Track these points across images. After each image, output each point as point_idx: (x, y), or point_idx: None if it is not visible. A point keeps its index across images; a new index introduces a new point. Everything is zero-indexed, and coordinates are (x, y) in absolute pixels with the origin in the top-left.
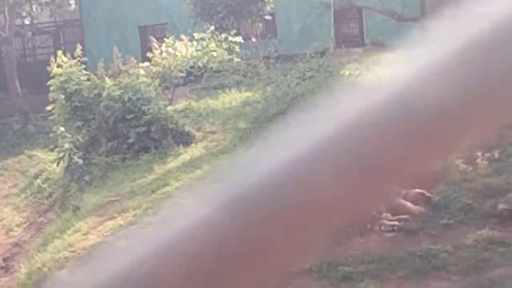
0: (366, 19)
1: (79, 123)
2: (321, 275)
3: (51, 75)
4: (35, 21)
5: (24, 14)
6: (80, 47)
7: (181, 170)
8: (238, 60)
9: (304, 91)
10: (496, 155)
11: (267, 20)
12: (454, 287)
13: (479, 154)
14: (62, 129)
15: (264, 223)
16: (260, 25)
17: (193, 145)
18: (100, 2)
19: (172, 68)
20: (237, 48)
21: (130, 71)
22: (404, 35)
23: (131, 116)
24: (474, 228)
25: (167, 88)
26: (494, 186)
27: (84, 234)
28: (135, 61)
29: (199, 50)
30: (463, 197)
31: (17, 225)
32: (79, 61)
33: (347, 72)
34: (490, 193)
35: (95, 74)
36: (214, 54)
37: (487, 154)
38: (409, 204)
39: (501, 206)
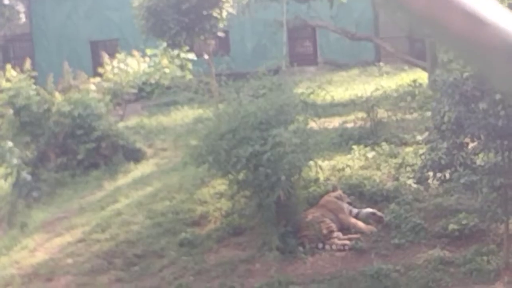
0: (319, 38)
1: (28, 138)
2: None
3: (0, 89)
4: None
5: None
6: (30, 61)
7: (131, 187)
8: (191, 77)
9: (256, 109)
10: (447, 176)
11: (221, 37)
12: None
13: (431, 174)
14: (10, 144)
15: None
16: (213, 42)
17: (144, 161)
18: (51, 16)
19: (123, 84)
20: (189, 65)
21: (81, 87)
22: (357, 54)
23: (81, 132)
24: (425, 248)
25: (119, 104)
26: (445, 206)
27: (32, 251)
28: (86, 76)
29: (151, 66)
30: (414, 217)
31: None
32: (28, 75)
33: (299, 90)
34: (441, 213)
35: (45, 89)
36: (167, 70)
37: (439, 174)
38: (360, 224)
39: (451, 227)
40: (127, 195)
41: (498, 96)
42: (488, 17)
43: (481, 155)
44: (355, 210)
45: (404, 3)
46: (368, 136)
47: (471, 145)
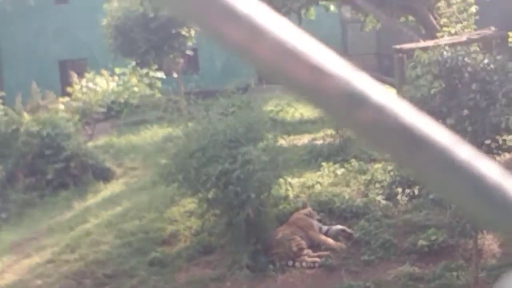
0: None
1: None
2: None
3: None
4: None
5: None
6: None
7: (101, 207)
8: (160, 95)
9: (225, 127)
10: (416, 192)
11: (189, 55)
12: None
13: (399, 190)
14: None
15: None
16: (182, 60)
17: (113, 181)
18: (19, 36)
19: (92, 103)
20: (158, 84)
21: (49, 106)
22: None
23: (49, 152)
24: (395, 264)
25: (88, 123)
26: (414, 222)
27: (0, 273)
28: (55, 96)
29: (120, 85)
30: (384, 233)
31: None
32: None
33: (268, 108)
34: (410, 229)
35: (13, 109)
36: (136, 89)
37: (407, 191)
38: (330, 240)
39: (421, 242)
40: (97, 215)
41: (465, 112)
42: (330, 68)
43: None
44: (325, 227)
45: (250, 52)
46: (337, 153)
47: None
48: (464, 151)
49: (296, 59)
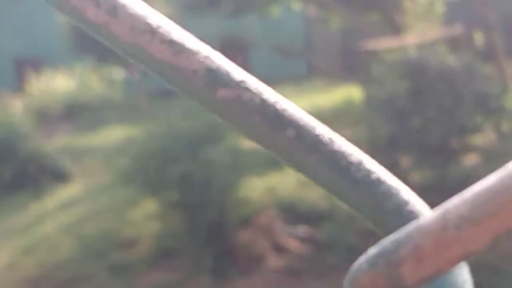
0: (252, 54)
1: None
2: None
3: None
4: None
5: None
6: None
7: (59, 209)
8: (120, 95)
9: (186, 128)
10: None
11: None
12: None
13: None
14: None
15: None
16: None
17: (72, 183)
18: None
19: (50, 103)
20: (119, 83)
21: (5, 106)
22: (289, 70)
23: (5, 153)
24: None
25: (46, 123)
26: None
27: None
28: (10, 95)
29: (79, 84)
30: (348, 237)
31: None
32: None
33: None
34: (376, 232)
35: None
36: (95, 88)
37: None
38: (295, 243)
39: None
40: (55, 217)
41: (432, 112)
42: (189, 45)
43: (415, 172)
44: (289, 230)
45: (106, 29)
46: None
47: (405, 162)
48: (324, 131)
49: (153, 36)
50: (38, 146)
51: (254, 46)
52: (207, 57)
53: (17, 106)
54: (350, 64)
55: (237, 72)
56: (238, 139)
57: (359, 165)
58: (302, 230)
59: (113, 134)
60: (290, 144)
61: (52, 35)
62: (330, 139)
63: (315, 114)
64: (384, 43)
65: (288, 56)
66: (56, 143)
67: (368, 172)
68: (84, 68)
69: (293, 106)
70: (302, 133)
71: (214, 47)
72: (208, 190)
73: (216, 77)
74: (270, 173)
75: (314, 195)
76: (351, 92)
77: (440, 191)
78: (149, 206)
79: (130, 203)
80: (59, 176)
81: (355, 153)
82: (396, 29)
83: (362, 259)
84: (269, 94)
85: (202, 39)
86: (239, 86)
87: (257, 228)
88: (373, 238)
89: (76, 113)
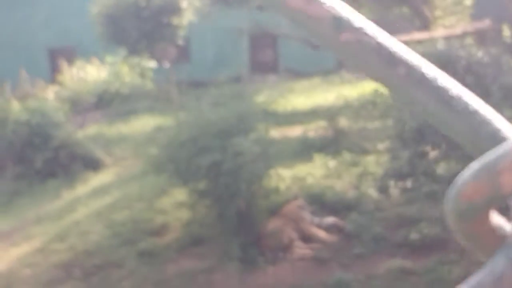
0: (281, 46)
1: None
2: None
3: None
4: None
5: None
6: None
7: (90, 197)
8: (151, 85)
9: (216, 118)
10: (409, 184)
11: (181, 45)
12: None
13: (392, 183)
14: None
15: None
16: (174, 50)
17: (103, 171)
18: (7, 23)
19: (82, 92)
20: (149, 73)
21: (39, 95)
22: (318, 62)
23: (38, 140)
24: (386, 258)
25: (78, 112)
26: (406, 215)
27: None
28: (44, 84)
29: (111, 74)
30: (375, 226)
31: None
32: None
33: (260, 99)
34: (402, 222)
35: (1, 97)
36: (126, 78)
37: (400, 183)
38: (321, 233)
39: (413, 236)
40: (86, 204)
41: None
42: None
43: (442, 164)
44: (316, 219)
45: None
46: (330, 145)
47: (432, 154)
48: (430, 70)
49: None
50: (71, 134)
51: (284, 39)
52: (332, 7)
53: (50, 95)
54: None
55: (358, 20)
56: (267, 130)
57: (459, 98)
58: (329, 219)
59: (143, 124)
60: (401, 80)
61: (84, 26)
62: (434, 76)
63: (344, 107)
64: (413, 36)
65: (316, 49)
66: (88, 132)
67: (466, 105)
68: (115, 59)
69: (403, 48)
70: (411, 71)
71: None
72: (237, 179)
73: (340, 23)
74: (298, 164)
75: (342, 186)
76: (379, 85)
77: None
78: (179, 194)
79: (160, 191)
80: (91, 164)
81: (455, 88)
82: (425, 23)
83: (465, 173)
84: (384, 38)
85: (232, 30)
86: (359, 31)
87: (285, 218)
88: (399, 228)
89: (107, 102)
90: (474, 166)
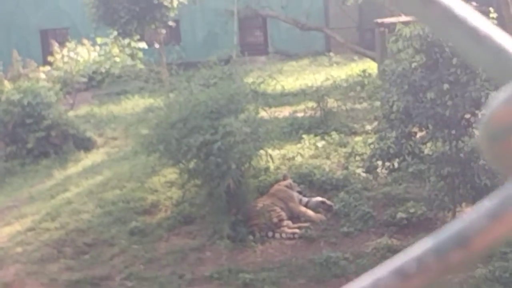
0: (270, 27)
1: None
2: (221, 282)
3: None
4: None
5: None
6: None
7: (82, 176)
8: (141, 66)
9: (207, 98)
10: (396, 165)
11: (171, 26)
12: None
13: (379, 163)
14: None
15: None
16: (164, 31)
17: (94, 150)
18: None
19: (73, 73)
20: (140, 54)
21: (30, 75)
22: (307, 44)
23: (30, 120)
24: (373, 236)
25: (69, 93)
26: (394, 195)
27: None
28: (36, 65)
29: (102, 55)
30: (363, 206)
31: None
32: None
33: (250, 80)
34: (390, 202)
35: None
36: (117, 59)
37: (387, 164)
38: (310, 212)
39: (400, 215)
40: (77, 184)
41: (445, 86)
42: None
43: (429, 145)
44: (305, 199)
45: None
46: (318, 125)
47: (419, 135)
48: (463, 8)
49: None
50: (62, 114)
51: (273, 20)
52: None
53: (41, 75)
54: (367, 39)
55: None
56: (256, 110)
57: (489, 37)
58: (318, 199)
59: (134, 104)
60: (436, 18)
61: (76, 8)
62: (464, 17)
63: (332, 88)
64: (400, 18)
65: (305, 30)
66: (79, 112)
67: (494, 42)
68: (107, 40)
69: None
70: (445, 11)
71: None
72: (227, 159)
73: None
74: (287, 144)
75: (330, 166)
76: (367, 67)
77: (453, 163)
78: (170, 174)
79: (150, 171)
80: (82, 144)
81: (486, 27)
82: None
83: (498, 97)
84: None
85: (222, 12)
86: None
87: (274, 197)
88: (386, 207)
89: (98, 83)
90: (507, 91)
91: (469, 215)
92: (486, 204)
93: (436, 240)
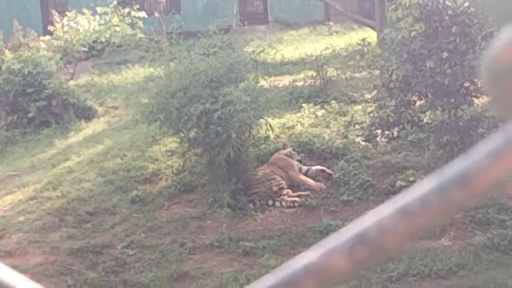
0: None
1: None
2: (222, 251)
3: None
4: None
5: None
6: None
7: (83, 145)
8: (141, 35)
9: (207, 67)
10: (395, 133)
11: None
12: None
13: (379, 132)
14: None
15: None
16: (164, 0)
17: (95, 120)
18: None
19: (74, 42)
20: (140, 23)
21: (31, 44)
22: (307, 13)
23: (31, 90)
24: (373, 204)
25: (69, 62)
26: (393, 163)
27: None
28: (36, 34)
29: (102, 24)
30: (362, 174)
31: None
32: None
33: (250, 49)
34: (389, 170)
35: None
36: (117, 29)
37: (387, 132)
38: (310, 181)
39: (399, 183)
40: (79, 153)
41: (445, 55)
42: None
43: (428, 113)
44: (304, 168)
45: None
46: (318, 94)
47: (418, 103)
48: None
49: None
50: (62, 84)
51: None
52: None
53: (42, 45)
54: (366, 8)
55: None
56: (256, 79)
57: None
58: (318, 167)
59: (134, 73)
60: None
61: None
62: None
63: (332, 57)
64: None
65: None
66: (80, 82)
67: None
68: (107, 9)
69: None
70: None
71: None
72: (227, 128)
73: None
74: (287, 113)
75: (330, 134)
76: (367, 35)
77: (452, 131)
78: (170, 143)
79: (151, 140)
80: (83, 113)
81: None
82: None
83: (502, 37)
84: None
85: None
86: None
87: (274, 166)
88: (386, 176)
89: (98, 52)
90: (511, 30)
91: (471, 155)
92: (488, 144)
93: (439, 180)
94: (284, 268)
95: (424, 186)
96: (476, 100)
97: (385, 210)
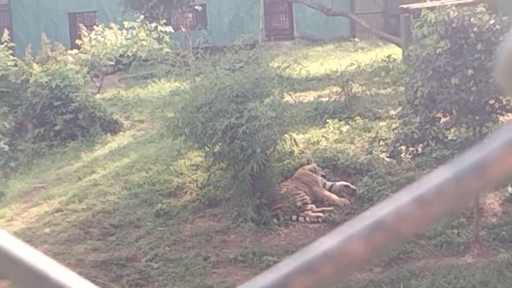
0: (296, 12)
1: (6, 109)
2: (245, 265)
3: None
4: None
5: None
6: (8, 32)
7: (108, 158)
8: (168, 50)
9: (232, 82)
10: (420, 150)
11: (198, 10)
12: (376, 279)
13: (403, 148)
14: None
15: None
16: (191, 15)
17: (121, 133)
18: None
19: (101, 56)
20: (166, 38)
21: (58, 58)
22: (333, 29)
23: (58, 103)
24: None
25: (96, 76)
26: (417, 180)
27: (9, 221)
28: (64, 48)
29: (129, 38)
30: (386, 190)
31: None
32: (6, 46)
33: (275, 64)
34: None
35: (22, 60)
36: (144, 43)
37: (411, 149)
38: (334, 196)
39: None
40: (104, 166)
41: (470, 72)
42: None
43: (452, 130)
44: (328, 183)
45: None
46: (343, 110)
47: (443, 120)
48: None
49: None
50: (89, 97)
51: (299, 5)
52: None
53: (70, 58)
54: (392, 24)
55: None
56: (281, 95)
57: None
58: (342, 183)
59: (160, 88)
60: None
61: None
62: None
63: (357, 73)
64: (425, 4)
65: (331, 15)
66: (106, 95)
67: None
68: (134, 23)
69: None
70: None
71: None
72: (252, 143)
73: None
74: (311, 128)
75: (354, 150)
76: (392, 52)
77: None
78: (195, 157)
79: (176, 154)
80: (109, 127)
81: None
82: None
83: None
84: None
85: None
86: None
87: (298, 181)
88: None
89: (125, 66)
90: None
91: (487, 145)
92: (503, 134)
93: (455, 169)
94: (303, 253)
95: (440, 175)
96: (501, 118)
97: (402, 198)
